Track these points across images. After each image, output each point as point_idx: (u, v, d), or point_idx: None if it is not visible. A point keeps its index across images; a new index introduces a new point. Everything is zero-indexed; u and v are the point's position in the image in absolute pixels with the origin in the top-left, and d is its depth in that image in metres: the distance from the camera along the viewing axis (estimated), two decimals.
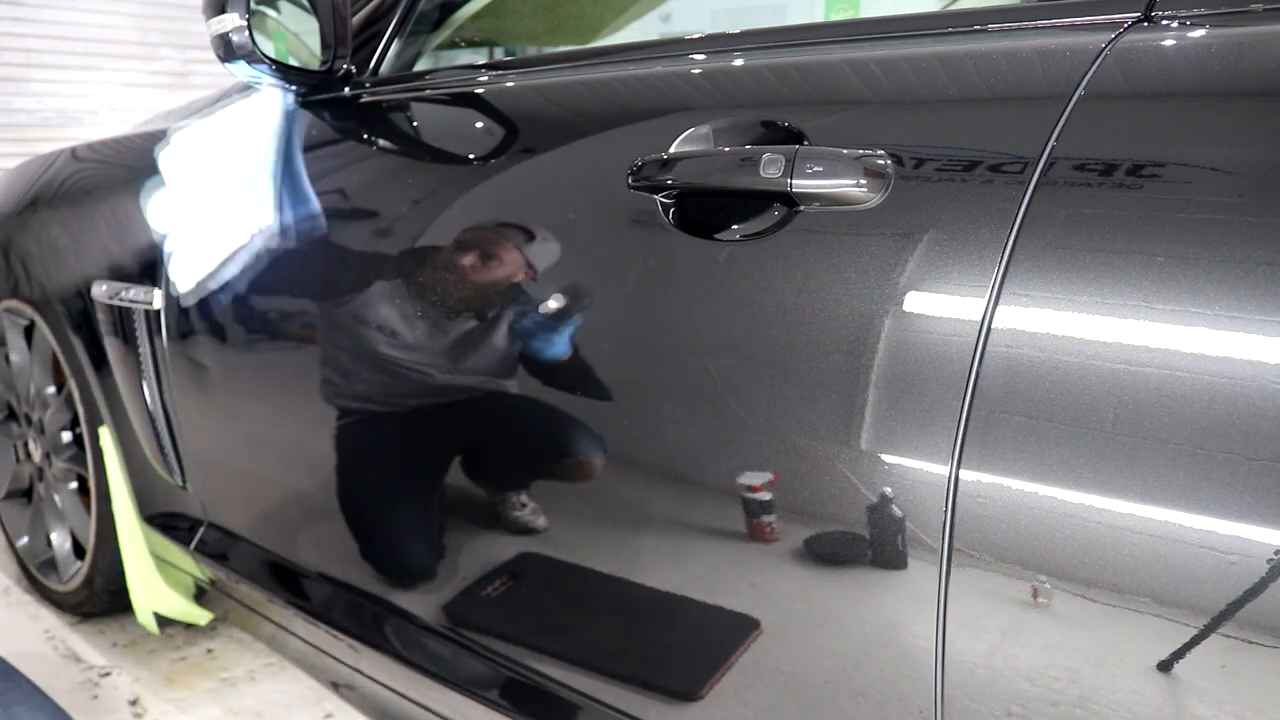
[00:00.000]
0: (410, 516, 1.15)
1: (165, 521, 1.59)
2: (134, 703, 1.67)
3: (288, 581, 1.34)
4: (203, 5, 1.17)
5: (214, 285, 1.35)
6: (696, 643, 0.86)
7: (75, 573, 1.89)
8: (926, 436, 0.68)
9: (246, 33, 1.13)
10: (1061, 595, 0.63)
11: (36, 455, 1.95)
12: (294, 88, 1.29)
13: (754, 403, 0.78)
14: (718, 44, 1.00)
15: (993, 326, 0.65)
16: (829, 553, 0.75)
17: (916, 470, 0.69)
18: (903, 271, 0.71)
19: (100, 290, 1.52)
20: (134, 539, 1.67)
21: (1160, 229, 0.62)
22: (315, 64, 1.24)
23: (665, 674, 0.90)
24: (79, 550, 1.90)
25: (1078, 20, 0.75)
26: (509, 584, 1.04)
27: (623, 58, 1.10)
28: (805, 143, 0.80)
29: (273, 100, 1.36)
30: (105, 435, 1.65)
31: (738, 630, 0.81)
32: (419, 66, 1.39)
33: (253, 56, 1.15)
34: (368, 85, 1.29)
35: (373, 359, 1.13)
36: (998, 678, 0.66)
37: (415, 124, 1.24)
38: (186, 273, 1.38)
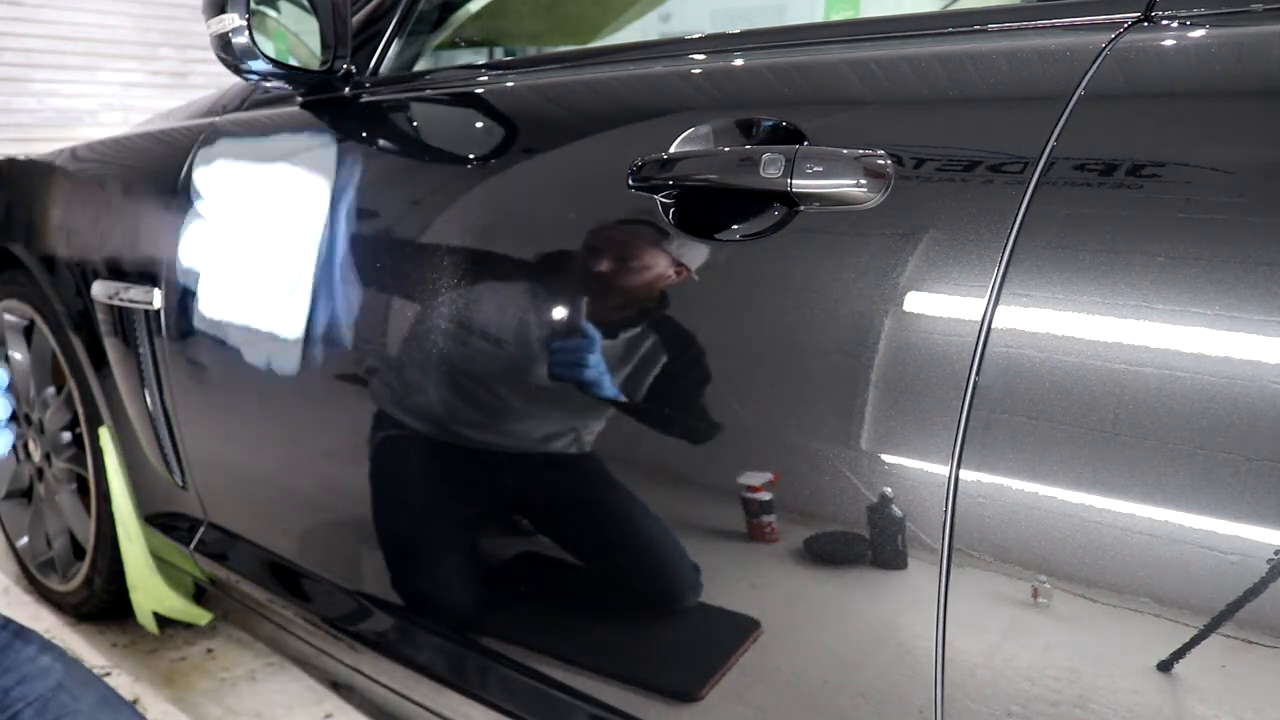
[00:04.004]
0: (411, 517, 1.15)
1: (165, 521, 1.59)
2: (134, 702, 1.67)
3: (288, 581, 1.34)
4: (203, 5, 1.16)
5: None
6: (697, 643, 0.86)
7: (75, 573, 1.89)
8: (926, 436, 0.68)
9: (246, 33, 1.13)
10: (1061, 595, 0.63)
11: (36, 455, 1.95)
12: (293, 87, 1.29)
13: (754, 403, 0.78)
14: (718, 44, 1.00)
15: (993, 326, 0.65)
16: (829, 553, 0.75)
17: (916, 470, 0.69)
18: (903, 271, 0.71)
19: (100, 290, 1.52)
20: (134, 539, 1.67)
21: (1160, 229, 0.62)
22: (315, 64, 1.24)
23: (665, 674, 0.90)
24: (79, 550, 1.90)
25: (1078, 20, 0.75)
26: (509, 584, 1.04)
27: (623, 58, 1.10)
28: (805, 143, 0.80)
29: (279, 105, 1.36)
30: (105, 435, 1.65)
31: (738, 630, 0.81)
32: (419, 66, 1.39)
33: (252, 56, 1.15)
34: (368, 85, 1.29)
35: (371, 358, 1.13)
36: (998, 678, 0.66)
37: (415, 124, 1.24)
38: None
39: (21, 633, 0.92)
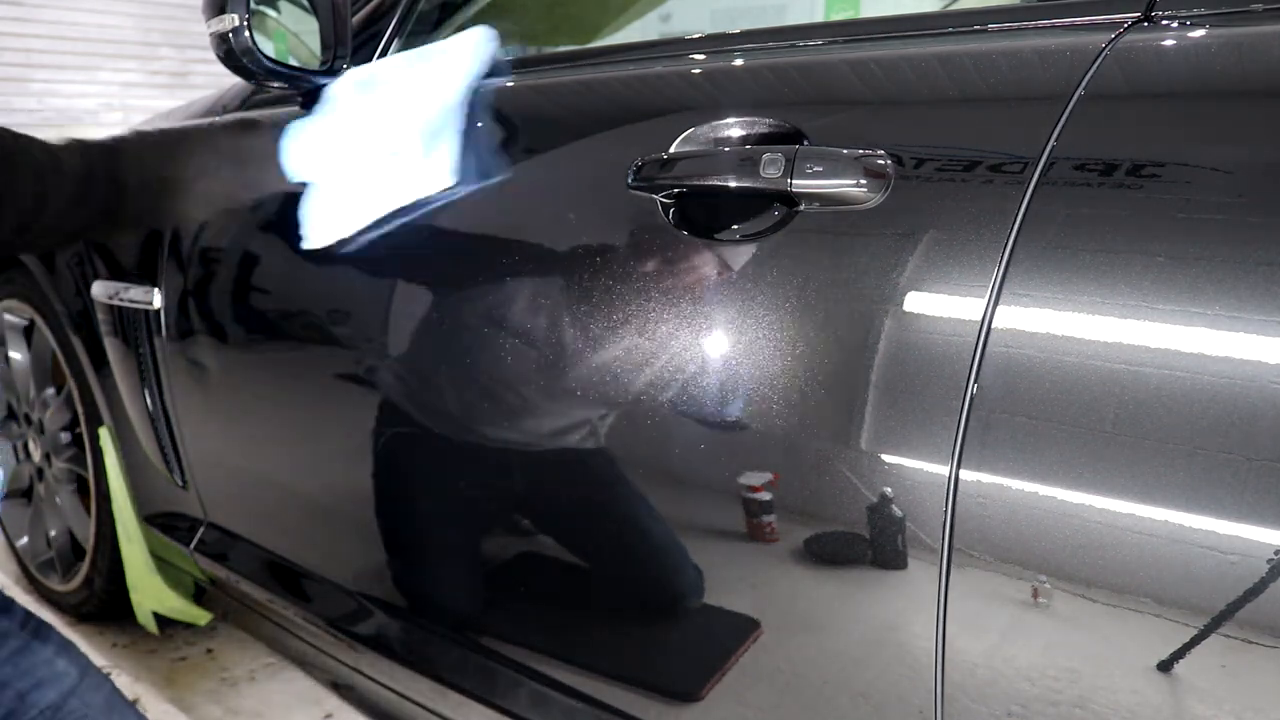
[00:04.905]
0: (410, 517, 1.15)
1: (165, 521, 1.59)
2: (134, 703, 1.67)
3: (288, 581, 1.34)
4: (202, 5, 1.16)
5: (213, 285, 1.35)
6: (696, 643, 0.86)
7: (75, 573, 1.89)
8: (926, 436, 0.68)
9: (246, 33, 1.13)
10: (1061, 595, 0.63)
11: (36, 455, 1.95)
12: (293, 87, 1.29)
13: (754, 403, 0.78)
14: (718, 44, 1.00)
15: (993, 326, 0.65)
16: (829, 553, 0.75)
17: (916, 470, 0.69)
18: (903, 271, 0.71)
19: (100, 290, 1.52)
20: (134, 539, 1.67)
21: (1160, 229, 0.62)
22: (315, 64, 1.24)
23: (665, 674, 0.90)
24: (79, 550, 1.90)
25: (1078, 20, 0.75)
26: (508, 584, 1.04)
27: (623, 58, 1.10)
28: (805, 143, 0.80)
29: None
30: (105, 435, 1.65)
31: (738, 630, 0.81)
32: None
33: (252, 56, 1.15)
34: None
35: (371, 357, 1.13)
36: (998, 678, 0.66)
37: None
38: (186, 272, 1.38)
39: (40, 631, 0.92)
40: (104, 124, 5.35)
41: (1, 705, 0.85)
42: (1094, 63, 0.68)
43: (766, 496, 0.78)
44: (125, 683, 1.74)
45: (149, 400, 1.49)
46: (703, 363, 0.81)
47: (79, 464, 1.83)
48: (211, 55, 1.17)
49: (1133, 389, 0.60)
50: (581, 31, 1.93)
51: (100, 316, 1.55)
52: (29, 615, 0.93)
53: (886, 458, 0.71)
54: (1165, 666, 0.59)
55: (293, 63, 1.24)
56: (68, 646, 0.92)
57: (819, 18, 2.30)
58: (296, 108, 1.33)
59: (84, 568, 1.85)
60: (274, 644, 1.60)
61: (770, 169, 0.77)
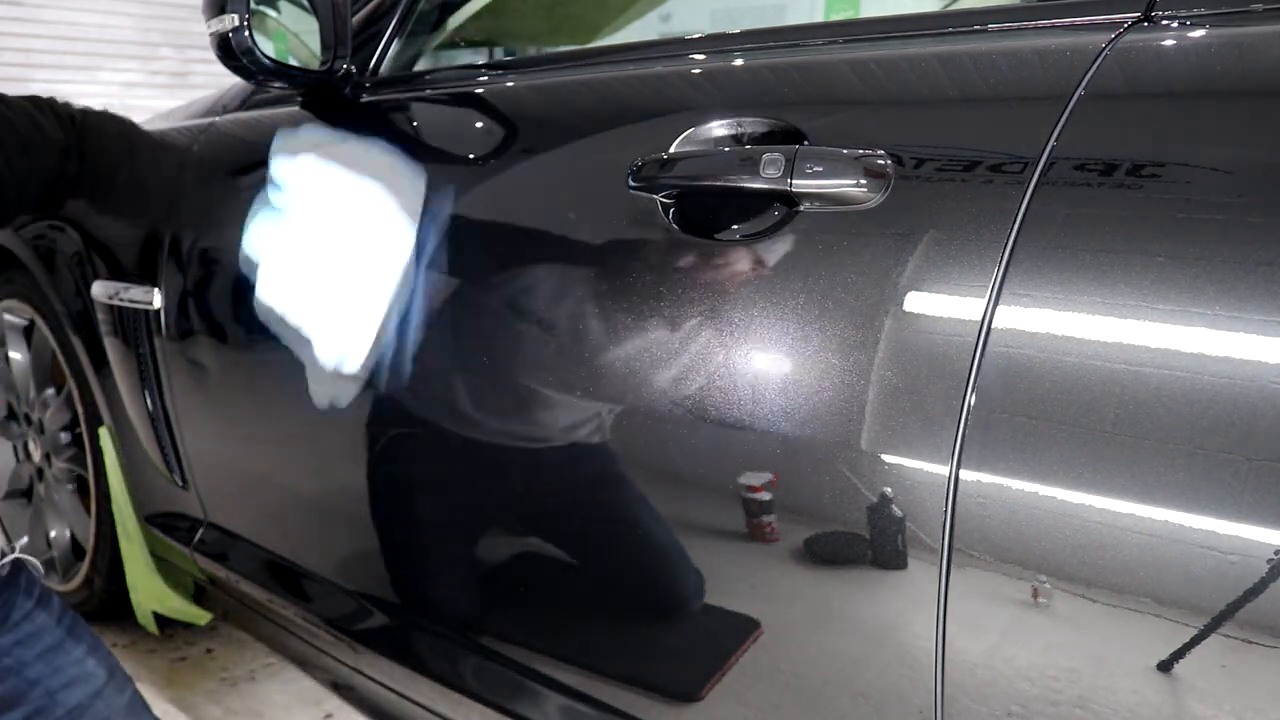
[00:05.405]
0: (410, 517, 1.15)
1: (165, 521, 1.59)
2: None
3: (288, 581, 1.34)
4: (202, 5, 1.16)
5: (214, 285, 1.35)
6: (697, 643, 0.86)
7: (75, 573, 1.89)
8: (926, 436, 0.68)
9: (246, 33, 1.13)
10: (1061, 595, 0.63)
11: (36, 455, 1.95)
12: (293, 87, 1.29)
13: (754, 403, 0.78)
14: (718, 44, 1.00)
15: (993, 326, 0.65)
16: (829, 553, 0.75)
17: (916, 470, 0.69)
18: (903, 271, 0.71)
19: (100, 290, 1.52)
20: (134, 539, 1.67)
21: (1160, 229, 0.62)
22: (315, 64, 1.24)
23: (665, 674, 0.90)
24: (79, 550, 1.90)
25: (1078, 20, 0.75)
26: (507, 584, 1.04)
27: (623, 58, 1.10)
28: (805, 143, 0.80)
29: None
30: (105, 435, 1.65)
31: (738, 630, 0.81)
32: (419, 66, 1.39)
33: (252, 57, 1.15)
34: (368, 85, 1.29)
35: (370, 357, 1.13)
36: (998, 678, 0.66)
37: (415, 124, 1.24)
38: (186, 272, 1.38)
39: (74, 629, 0.93)
40: None
41: (31, 702, 0.86)
42: (1094, 63, 0.68)
43: (766, 496, 0.78)
44: None
45: (149, 400, 1.49)
46: (702, 363, 0.81)
47: (79, 464, 1.83)
48: (211, 55, 1.17)
49: (1133, 389, 0.60)
50: (581, 31, 1.93)
51: (100, 316, 1.55)
52: (64, 612, 0.93)
53: (886, 458, 0.71)
54: (1165, 666, 0.59)
55: (293, 63, 1.24)
56: (98, 646, 0.93)
57: (819, 18, 2.30)
58: (296, 108, 1.34)
59: (84, 568, 1.85)
60: (274, 644, 1.60)
61: (770, 169, 0.77)
